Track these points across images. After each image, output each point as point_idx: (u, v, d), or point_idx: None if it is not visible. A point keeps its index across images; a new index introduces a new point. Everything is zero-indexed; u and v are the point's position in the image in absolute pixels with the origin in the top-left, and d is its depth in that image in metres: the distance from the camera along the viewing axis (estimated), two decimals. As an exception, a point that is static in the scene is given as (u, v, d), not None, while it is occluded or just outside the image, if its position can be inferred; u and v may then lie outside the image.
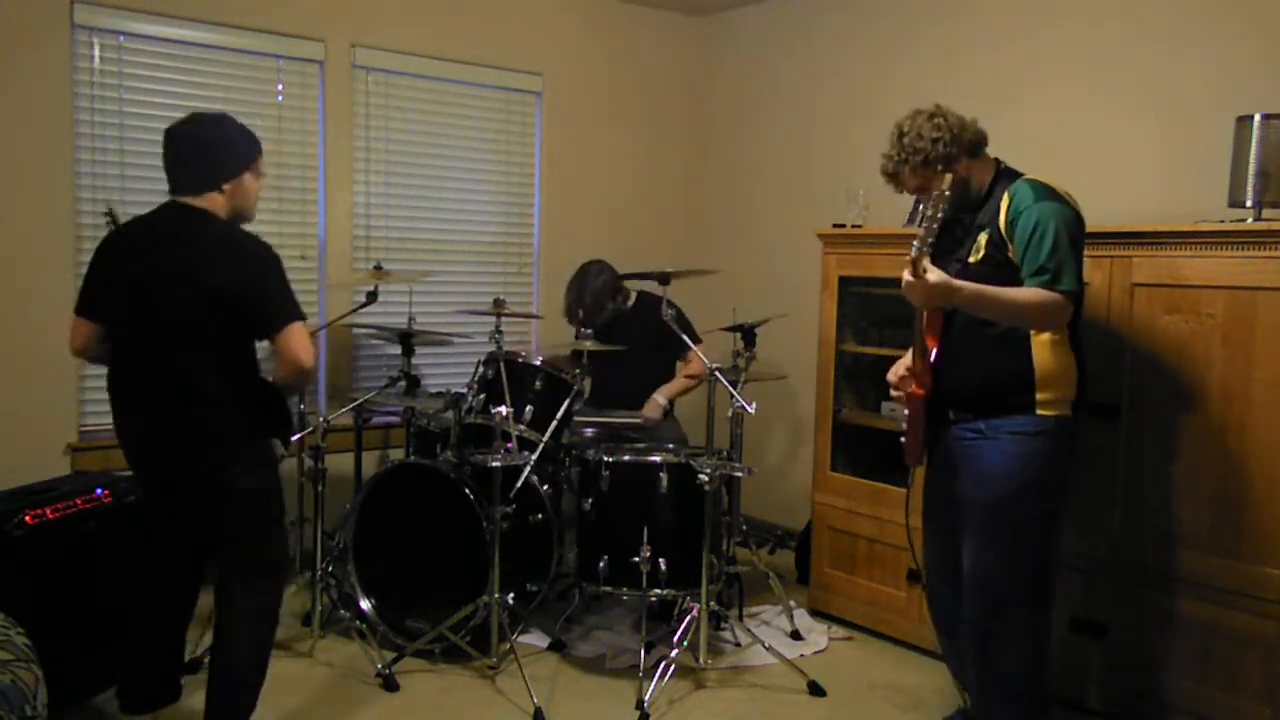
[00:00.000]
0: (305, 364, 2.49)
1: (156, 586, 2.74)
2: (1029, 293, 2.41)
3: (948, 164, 2.53)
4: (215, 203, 2.55)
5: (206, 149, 2.57)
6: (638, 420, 4.01)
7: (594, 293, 4.04)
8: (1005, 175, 2.60)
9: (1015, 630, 2.57)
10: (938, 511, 2.78)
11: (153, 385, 2.51)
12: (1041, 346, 2.52)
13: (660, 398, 4.05)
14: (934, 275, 2.35)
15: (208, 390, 2.50)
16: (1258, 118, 2.83)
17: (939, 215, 2.30)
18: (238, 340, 2.54)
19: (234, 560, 2.63)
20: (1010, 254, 2.47)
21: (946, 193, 2.32)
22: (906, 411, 2.74)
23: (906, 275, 2.36)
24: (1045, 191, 2.47)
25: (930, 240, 2.32)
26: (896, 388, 2.79)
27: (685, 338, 3.48)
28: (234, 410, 2.54)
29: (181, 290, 2.45)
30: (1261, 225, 2.75)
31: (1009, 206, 2.48)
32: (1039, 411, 2.52)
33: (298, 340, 2.48)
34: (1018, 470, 2.53)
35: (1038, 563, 2.58)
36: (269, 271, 2.52)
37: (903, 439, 2.79)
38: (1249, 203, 2.83)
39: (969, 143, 2.57)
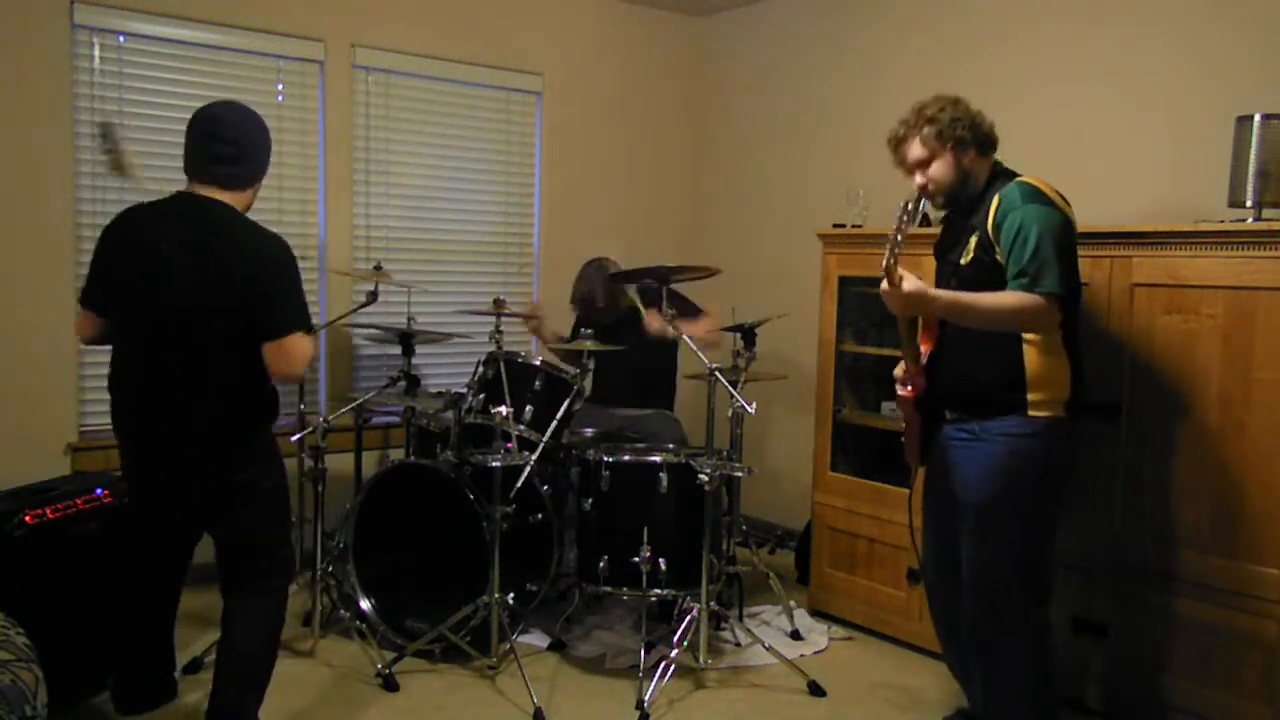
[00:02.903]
0: (295, 375, 2.55)
1: (146, 586, 2.74)
2: (1008, 296, 2.41)
3: (959, 147, 2.54)
4: (238, 199, 2.54)
5: (249, 149, 2.56)
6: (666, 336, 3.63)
7: (613, 275, 4.04)
8: (1000, 175, 2.60)
9: (1015, 630, 2.57)
10: (936, 511, 2.79)
11: (172, 383, 2.47)
12: (1032, 348, 2.51)
13: (692, 326, 3.72)
14: (909, 283, 2.35)
15: (231, 387, 2.49)
16: (1258, 118, 2.83)
17: (905, 222, 2.29)
18: (253, 338, 2.52)
19: (248, 559, 2.60)
20: (998, 256, 2.47)
21: (912, 204, 2.32)
22: (903, 412, 2.77)
23: (884, 285, 2.36)
24: (1033, 194, 2.46)
25: (899, 247, 2.30)
26: (901, 383, 2.79)
27: (686, 337, 3.48)
28: (254, 406, 2.55)
29: (214, 286, 2.42)
30: (1261, 225, 2.75)
31: (997, 208, 2.48)
32: (1030, 413, 2.52)
33: (297, 349, 2.47)
34: (1007, 470, 2.53)
35: (1031, 561, 2.58)
36: (290, 276, 2.53)
37: (904, 439, 2.81)
38: (1249, 203, 2.83)
39: (982, 137, 2.58)
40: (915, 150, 2.60)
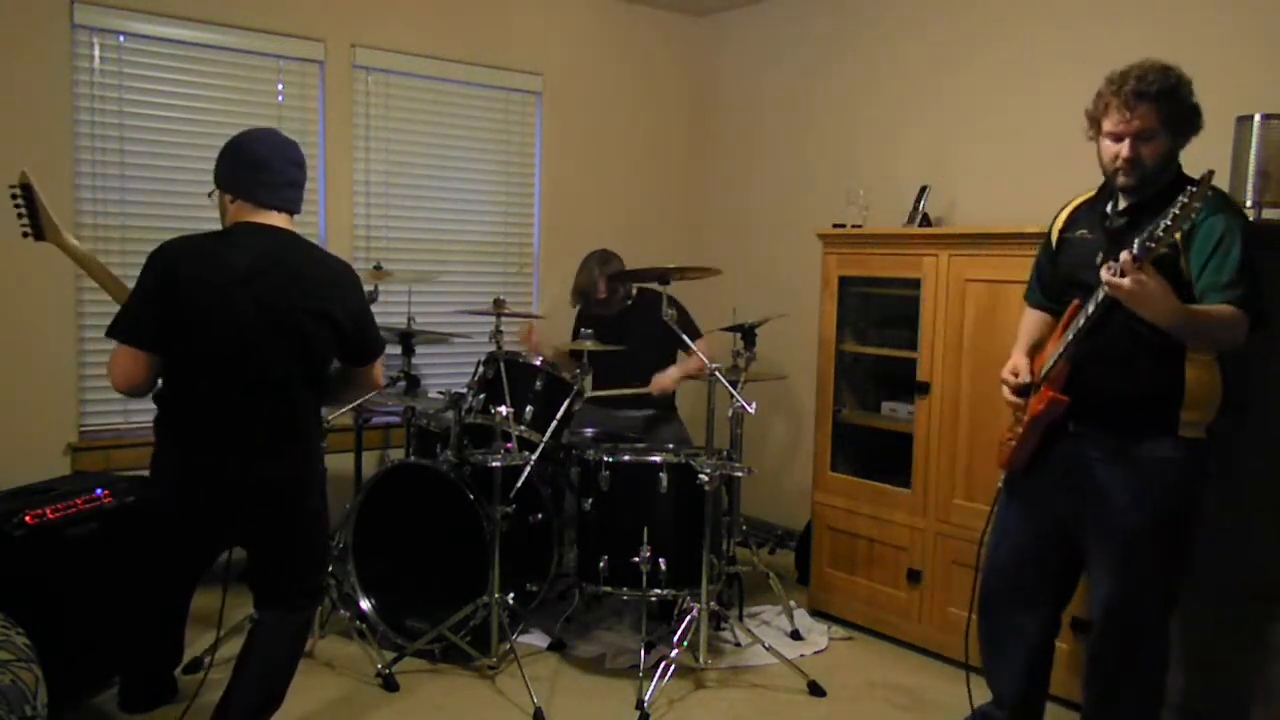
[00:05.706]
0: (378, 390, 2.68)
1: (164, 591, 2.72)
2: (1228, 310, 2.19)
3: (1182, 129, 2.30)
4: (292, 225, 2.44)
5: (303, 173, 2.46)
6: (647, 390, 3.97)
7: (615, 272, 4.03)
8: (1182, 175, 2.37)
9: (1155, 645, 2.47)
10: (1036, 521, 2.59)
11: (257, 420, 2.35)
12: (1196, 363, 2.32)
13: (675, 371, 3.99)
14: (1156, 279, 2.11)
15: (310, 417, 2.46)
16: (1258, 118, 2.83)
17: (1190, 216, 2.01)
18: (326, 368, 2.48)
19: (289, 580, 2.55)
20: (1181, 263, 2.26)
21: (1197, 204, 2.01)
22: (1028, 416, 2.51)
23: (1123, 281, 2.10)
24: (1227, 200, 2.32)
25: (1160, 244, 2.06)
26: (1018, 391, 2.55)
27: (685, 337, 3.48)
28: (319, 433, 2.55)
29: (308, 321, 2.35)
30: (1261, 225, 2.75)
31: None
32: (1181, 433, 2.34)
33: (380, 367, 2.60)
34: (1163, 502, 2.36)
35: (1175, 587, 2.46)
36: (366, 298, 2.54)
37: (1012, 442, 2.58)
38: (1249, 203, 2.82)
39: (1196, 130, 2.32)
40: (1138, 111, 2.27)
